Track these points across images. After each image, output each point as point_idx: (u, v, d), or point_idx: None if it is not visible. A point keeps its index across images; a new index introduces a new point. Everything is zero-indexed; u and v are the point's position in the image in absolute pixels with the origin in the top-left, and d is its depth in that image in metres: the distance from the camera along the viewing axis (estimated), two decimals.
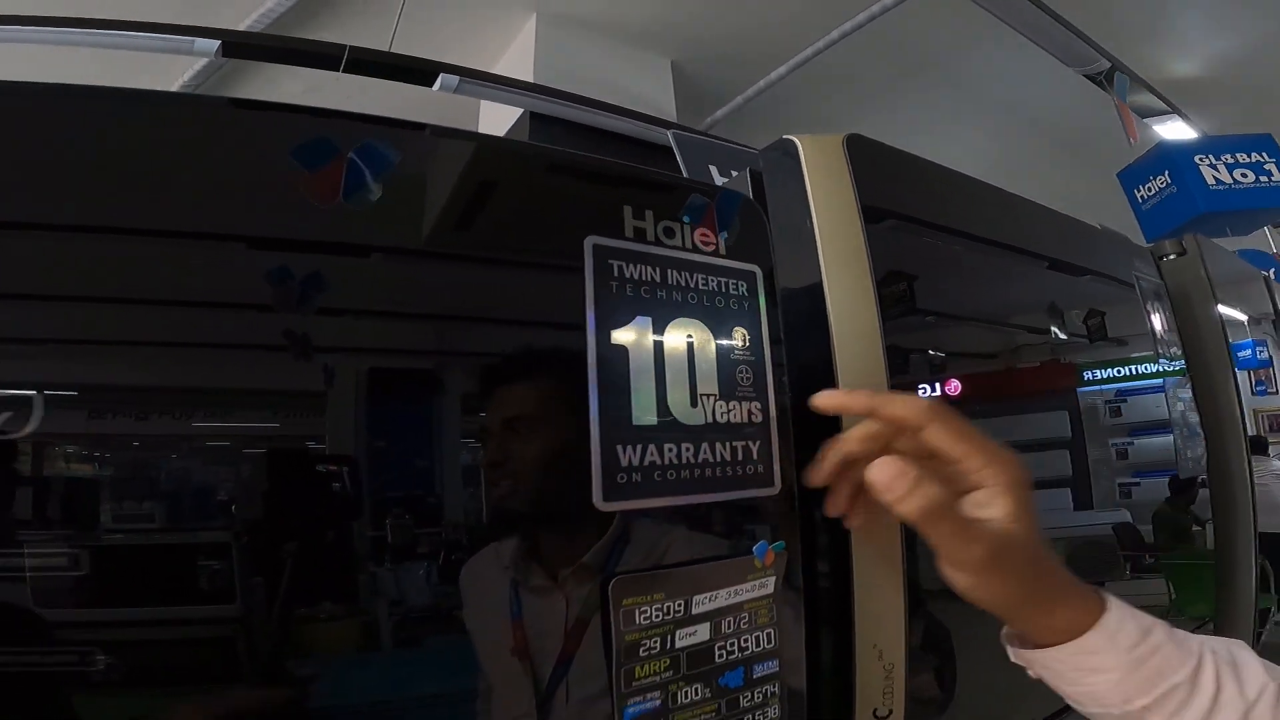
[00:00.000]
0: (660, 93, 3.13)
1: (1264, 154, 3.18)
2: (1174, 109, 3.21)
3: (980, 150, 4.02)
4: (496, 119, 2.91)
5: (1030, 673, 0.55)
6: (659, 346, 0.46)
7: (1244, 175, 3.15)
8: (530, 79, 2.72)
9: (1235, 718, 0.50)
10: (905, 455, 0.49)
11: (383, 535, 0.42)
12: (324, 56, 2.17)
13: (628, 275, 0.46)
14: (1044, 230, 1.07)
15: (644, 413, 0.44)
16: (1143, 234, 3.12)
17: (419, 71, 2.29)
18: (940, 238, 0.88)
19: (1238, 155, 3.18)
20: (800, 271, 0.69)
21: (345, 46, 2.17)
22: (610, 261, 0.46)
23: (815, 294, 0.66)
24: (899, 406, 0.48)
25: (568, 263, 0.46)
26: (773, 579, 0.48)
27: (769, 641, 0.49)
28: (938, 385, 0.84)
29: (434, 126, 0.44)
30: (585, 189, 0.50)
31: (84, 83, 0.41)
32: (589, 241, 0.45)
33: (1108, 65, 2.64)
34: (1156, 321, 1.20)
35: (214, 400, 0.43)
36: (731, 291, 0.51)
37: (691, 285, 0.49)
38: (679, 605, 0.44)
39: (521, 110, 2.65)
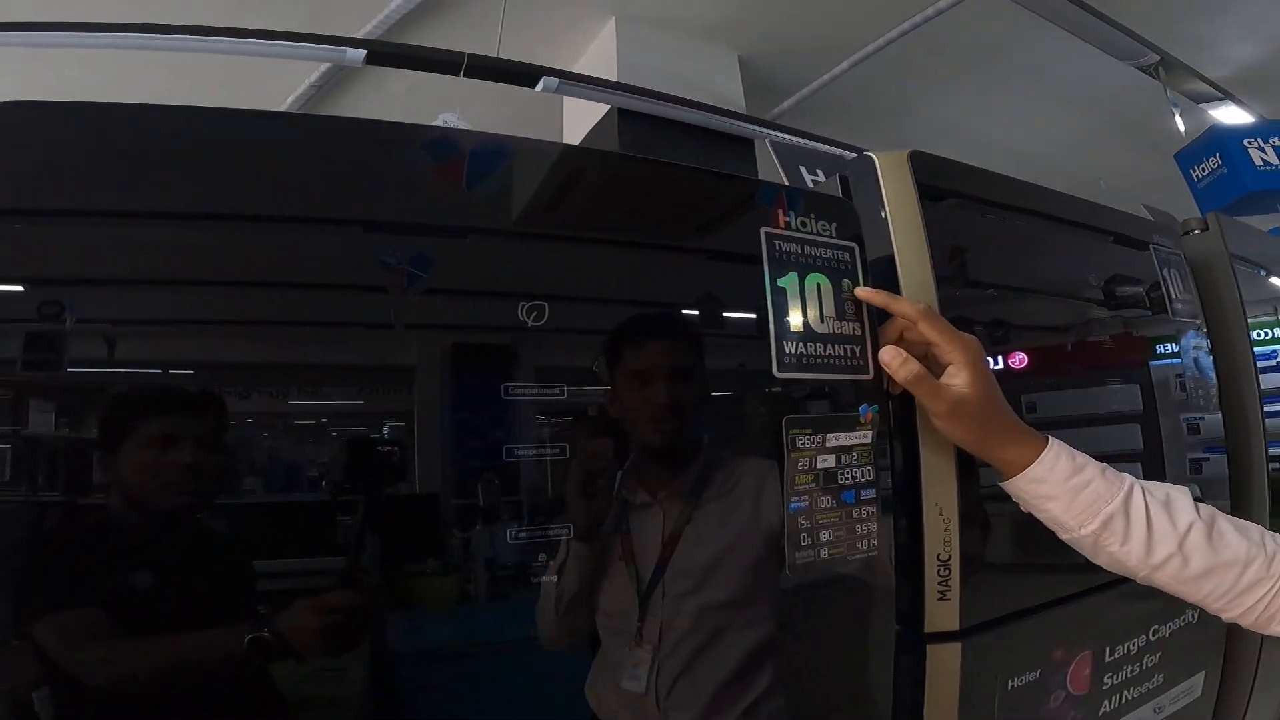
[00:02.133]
0: (729, 85, 3.33)
1: None
2: (1227, 95, 3.32)
3: (1041, 135, 4.11)
4: (580, 114, 3.18)
5: (1021, 506, 0.77)
6: (803, 288, 0.77)
7: None
8: (613, 77, 2.96)
9: (1172, 545, 0.68)
10: (913, 342, 0.76)
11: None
12: (446, 63, 2.50)
13: (782, 249, 0.78)
14: (1083, 211, 1.20)
15: (795, 324, 0.76)
16: (1199, 210, 3.25)
17: (524, 74, 2.61)
18: (988, 217, 1.09)
19: None
20: (876, 247, 0.93)
21: (464, 54, 2.49)
22: (774, 241, 0.78)
23: (889, 263, 0.93)
24: (903, 305, 0.77)
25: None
26: (870, 433, 0.80)
27: (869, 476, 0.80)
28: (999, 357, 0.97)
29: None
30: (756, 202, 0.81)
31: (219, 82, 0.66)
32: (763, 231, 0.78)
33: (1156, 59, 2.79)
34: (1171, 286, 1.28)
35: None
36: (841, 258, 0.82)
37: (818, 254, 0.80)
38: (818, 439, 0.75)
39: (608, 107, 2.93)
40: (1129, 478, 0.73)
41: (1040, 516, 0.76)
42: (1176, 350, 1.20)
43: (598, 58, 3.21)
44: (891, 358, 0.76)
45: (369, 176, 0.62)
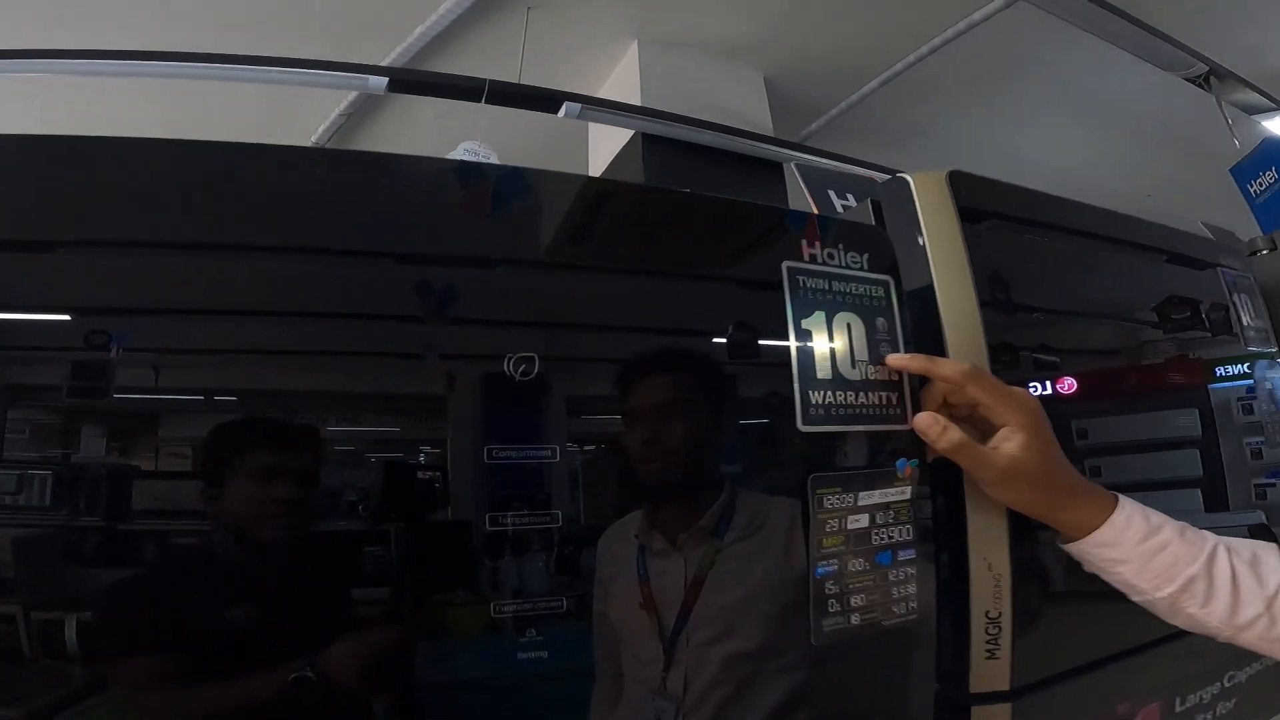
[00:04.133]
0: (756, 107, 3.27)
1: None
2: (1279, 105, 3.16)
3: (1081, 151, 3.96)
4: (605, 140, 3.15)
5: (1085, 566, 0.71)
6: (830, 329, 0.70)
7: None
8: (638, 101, 2.95)
9: (1260, 607, 0.63)
10: (958, 405, 0.69)
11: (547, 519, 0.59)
12: (467, 89, 2.50)
13: (807, 285, 0.70)
14: (1139, 231, 1.14)
15: (823, 371, 0.68)
16: (1260, 227, 3.08)
17: (546, 99, 2.59)
18: (1034, 238, 1.03)
19: None
20: (913, 276, 0.86)
21: (485, 81, 2.49)
22: (798, 276, 0.70)
23: (929, 294, 0.86)
24: (946, 368, 0.69)
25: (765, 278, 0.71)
26: (909, 488, 0.71)
27: (908, 535, 0.71)
28: (1048, 383, 0.93)
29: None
30: (778, 232, 0.74)
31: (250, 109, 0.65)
32: (785, 265, 0.70)
33: (1205, 69, 2.66)
34: (1241, 312, 1.21)
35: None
36: (874, 294, 0.75)
37: (847, 290, 0.73)
38: (850, 497, 0.67)
39: (632, 132, 2.90)
40: (1211, 536, 0.67)
41: (1108, 579, 0.70)
42: (1239, 373, 1.13)
43: (622, 82, 3.19)
44: (928, 425, 0.68)
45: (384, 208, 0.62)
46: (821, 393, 0.67)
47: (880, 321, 0.73)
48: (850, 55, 3.20)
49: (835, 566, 0.67)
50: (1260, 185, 3.25)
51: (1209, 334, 1.13)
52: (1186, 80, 2.76)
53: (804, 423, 0.66)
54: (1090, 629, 0.89)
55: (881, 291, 0.75)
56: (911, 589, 0.72)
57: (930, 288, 0.84)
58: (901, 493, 0.71)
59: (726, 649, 0.64)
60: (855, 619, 0.68)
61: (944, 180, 0.94)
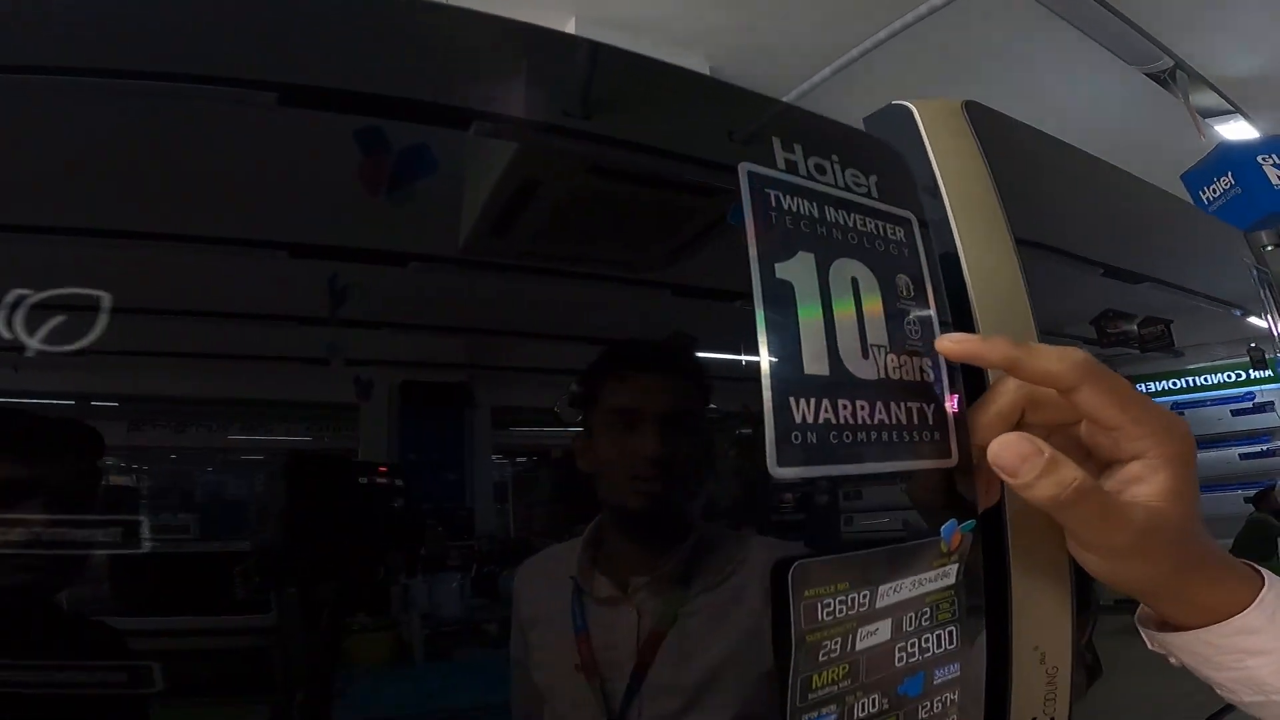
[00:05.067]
0: None
1: None
2: (1236, 108, 3.10)
3: None
4: None
5: (1171, 660, 0.49)
6: (826, 287, 0.39)
7: None
8: None
9: None
10: (1043, 419, 0.42)
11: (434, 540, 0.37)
12: None
13: (785, 206, 0.39)
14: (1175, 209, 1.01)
15: (815, 361, 0.37)
16: None
17: None
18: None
19: None
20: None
21: None
22: (768, 191, 0.39)
23: (950, 260, 0.60)
24: (1047, 360, 0.40)
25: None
26: (956, 567, 0.41)
27: (950, 643, 0.41)
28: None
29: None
30: (730, 112, 0.44)
31: None
32: (744, 167, 0.39)
33: (1170, 64, 2.55)
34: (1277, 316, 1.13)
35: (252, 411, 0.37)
36: (890, 236, 0.44)
37: (850, 225, 0.42)
38: (864, 597, 0.36)
39: None
40: None
41: (1219, 677, 0.48)
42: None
43: None
44: (1024, 456, 0.39)
45: None
46: (811, 403, 0.36)
47: (903, 280, 0.43)
48: (801, 43, 3.03)
49: (835, 714, 0.36)
50: (1214, 192, 3.17)
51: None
52: (1149, 76, 2.64)
53: (780, 461, 0.34)
54: None
55: (901, 233, 0.45)
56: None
57: (950, 238, 0.58)
58: (944, 575, 0.40)
59: None
60: None
61: (960, 110, 0.72)
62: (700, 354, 0.39)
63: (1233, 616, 0.44)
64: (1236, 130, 3.29)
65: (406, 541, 0.38)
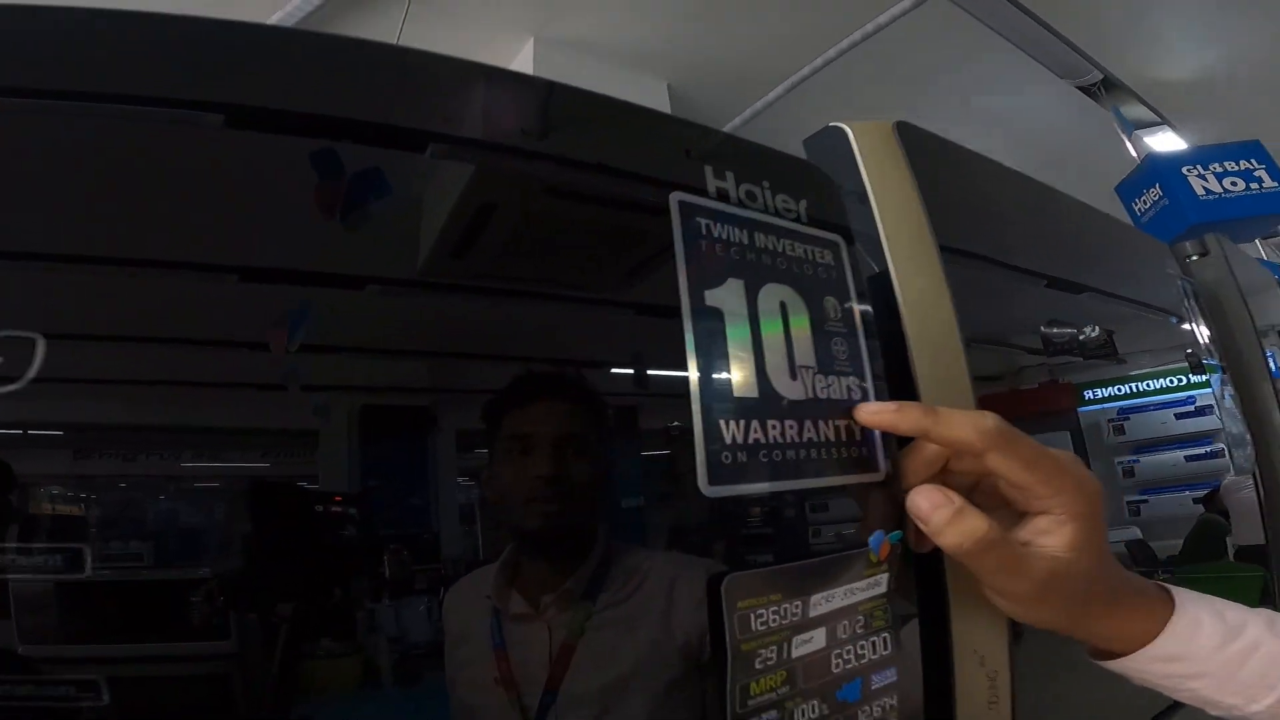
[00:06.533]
0: None
1: (1253, 161, 3.19)
2: (1163, 119, 3.25)
3: None
4: None
5: (1135, 682, 0.51)
6: (754, 310, 0.41)
7: (1234, 184, 3.16)
8: None
9: None
10: (965, 468, 0.45)
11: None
12: None
13: (715, 234, 0.41)
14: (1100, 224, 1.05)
15: (744, 384, 0.38)
16: None
17: None
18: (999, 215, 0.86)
19: (1226, 164, 3.18)
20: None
21: None
22: (698, 219, 0.41)
23: (882, 278, 0.62)
24: (958, 428, 0.43)
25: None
26: (886, 576, 0.43)
27: (885, 648, 0.43)
28: None
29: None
30: (663, 145, 0.45)
31: None
32: (674, 197, 0.41)
33: (1099, 76, 2.67)
34: (1202, 325, 1.16)
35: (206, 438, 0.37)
36: (819, 260, 0.47)
37: (780, 250, 0.44)
38: (797, 607, 0.38)
39: None
40: None
41: (1175, 696, 0.50)
42: (1110, 395, 1.11)
43: None
44: (933, 507, 0.41)
45: None
46: (741, 424, 0.38)
47: (830, 303, 0.45)
48: (756, 61, 3.10)
49: None
50: (1144, 204, 3.31)
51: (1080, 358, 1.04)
52: (1080, 89, 2.76)
53: (711, 480, 0.36)
54: None
55: (829, 256, 0.47)
56: None
57: (883, 261, 0.60)
58: (876, 584, 0.42)
59: None
60: None
61: (891, 131, 0.74)
62: (612, 373, 0.41)
63: (1148, 644, 0.46)
64: (1165, 141, 3.45)
65: (360, 566, 0.38)
